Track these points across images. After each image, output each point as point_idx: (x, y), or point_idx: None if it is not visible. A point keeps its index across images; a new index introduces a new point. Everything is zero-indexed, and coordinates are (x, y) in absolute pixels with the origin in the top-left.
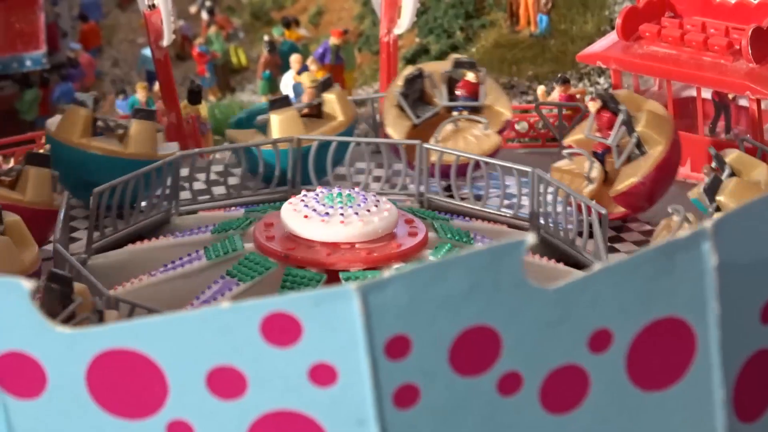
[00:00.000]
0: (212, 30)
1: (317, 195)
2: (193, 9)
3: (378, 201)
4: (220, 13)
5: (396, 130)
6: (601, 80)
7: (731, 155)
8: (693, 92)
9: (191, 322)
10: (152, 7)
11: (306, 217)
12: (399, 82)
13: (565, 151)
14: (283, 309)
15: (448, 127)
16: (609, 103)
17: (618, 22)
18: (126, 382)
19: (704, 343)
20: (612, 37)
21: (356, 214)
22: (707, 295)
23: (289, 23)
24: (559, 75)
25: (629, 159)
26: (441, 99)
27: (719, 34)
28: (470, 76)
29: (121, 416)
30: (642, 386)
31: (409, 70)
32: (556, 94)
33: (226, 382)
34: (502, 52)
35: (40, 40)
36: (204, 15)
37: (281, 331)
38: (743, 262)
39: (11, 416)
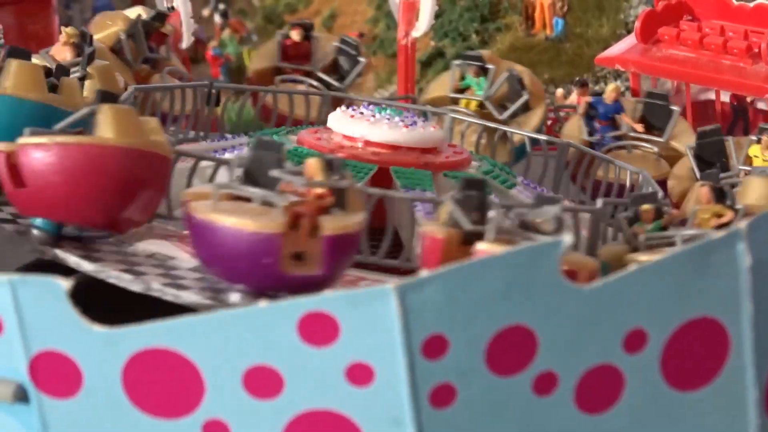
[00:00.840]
0: (226, 33)
1: (367, 105)
2: (206, 12)
3: (425, 120)
4: (233, 17)
5: None
6: (617, 83)
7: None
8: (711, 95)
9: (229, 321)
10: (171, 9)
11: (352, 117)
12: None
13: None
14: (320, 308)
15: None
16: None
17: (637, 25)
18: (162, 382)
19: (738, 344)
20: (630, 41)
21: (403, 122)
22: (741, 295)
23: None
24: (577, 78)
25: None
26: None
27: (738, 38)
28: None
29: (156, 415)
30: (676, 386)
31: None
32: (574, 98)
33: (262, 382)
34: (518, 55)
35: (55, 42)
36: (217, 18)
37: (318, 330)
38: None
39: (47, 415)
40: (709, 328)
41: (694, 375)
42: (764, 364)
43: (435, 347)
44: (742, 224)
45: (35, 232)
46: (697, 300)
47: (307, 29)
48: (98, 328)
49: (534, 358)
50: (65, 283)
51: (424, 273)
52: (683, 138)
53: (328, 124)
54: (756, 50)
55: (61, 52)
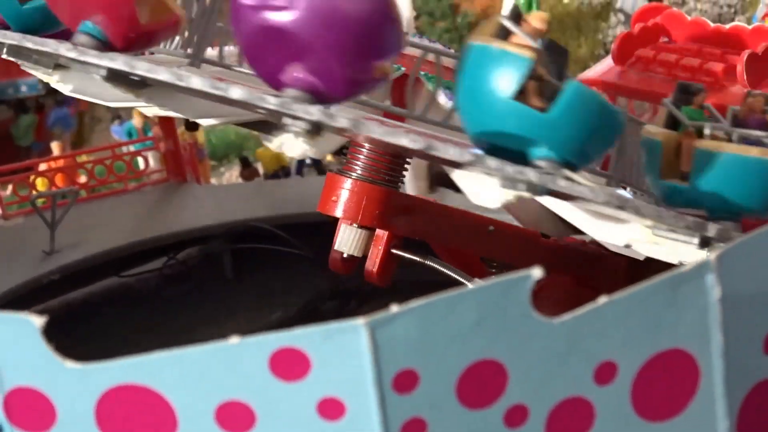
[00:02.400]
0: None
1: None
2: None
3: None
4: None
5: None
6: None
7: None
8: None
9: (201, 356)
10: None
11: None
12: None
13: None
14: (291, 344)
15: None
16: None
17: (613, 47)
18: (135, 417)
19: (708, 375)
20: (607, 62)
21: None
22: (711, 326)
23: None
24: None
25: None
26: None
27: (715, 59)
28: None
29: None
30: (646, 417)
31: None
32: None
33: (235, 417)
34: None
35: None
36: None
37: (290, 365)
38: (747, 293)
39: None
40: (679, 360)
41: (665, 406)
42: (735, 394)
43: (406, 381)
44: (712, 256)
45: None
46: (668, 331)
47: None
48: (71, 364)
49: (505, 392)
50: (38, 320)
51: (393, 308)
52: None
53: None
54: (733, 72)
55: None
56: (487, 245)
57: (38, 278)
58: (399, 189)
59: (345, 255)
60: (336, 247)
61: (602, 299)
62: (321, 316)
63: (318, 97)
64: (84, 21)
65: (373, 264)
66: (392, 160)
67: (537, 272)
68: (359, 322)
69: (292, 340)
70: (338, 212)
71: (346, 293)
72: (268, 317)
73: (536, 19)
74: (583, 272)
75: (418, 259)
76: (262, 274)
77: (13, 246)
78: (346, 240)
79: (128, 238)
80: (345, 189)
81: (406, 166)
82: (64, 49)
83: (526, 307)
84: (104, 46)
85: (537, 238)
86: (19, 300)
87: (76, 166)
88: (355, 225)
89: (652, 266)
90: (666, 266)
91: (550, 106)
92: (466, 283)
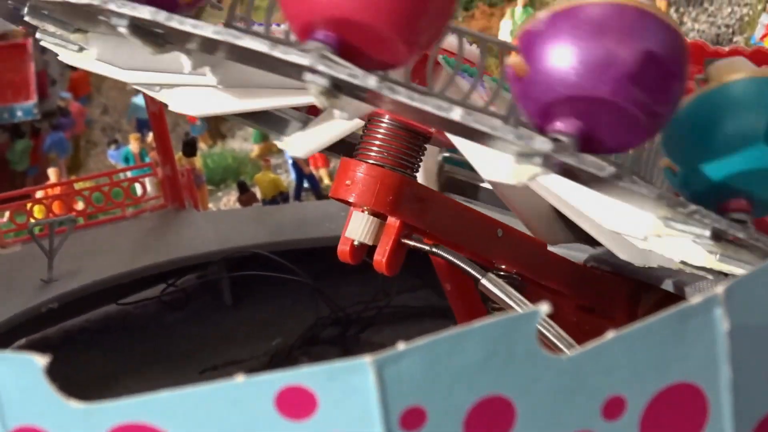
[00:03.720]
0: None
1: None
2: None
3: None
4: None
5: None
6: None
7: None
8: None
9: (206, 395)
10: None
11: None
12: None
13: None
14: (297, 383)
15: None
16: None
17: None
18: None
19: (716, 408)
20: None
21: None
22: (719, 360)
23: None
24: None
25: None
26: None
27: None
28: None
29: None
30: None
31: None
32: None
33: None
34: None
35: (31, 90)
36: None
37: (296, 404)
38: (755, 325)
39: None
40: (687, 394)
41: None
42: (744, 428)
43: (413, 419)
44: (720, 289)
45: None
46: (675, 366)
47: None
48: (75, 404)
49: (513, 428)
50: (41, 360)
51: (400, 346)
52: None
53: None
54: None
55: None
56: (493, 248)
57: (36, 307)
58: (414, 178)
59: (356, 243)
60: (346, 234)
61: (609, 334)
62: (321, 342)
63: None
64: None
65: (383, 253)
66: (409, 146)
67: (544, 308)
68: (366, 360)
69: (298, 378)
70: (351, 196)
71: (347, 319)
72: (268, 343)
73: None
74: (584, 291)
75: (427, 248)
76: (262, 300)
77: (11, 274)
78: (357, 227)
79: (126, 266)
80: (359, 173)
81: (422, 154)
82: None
83: (533, 344)
84: None
85: (543, 248)
86: (17, 329)
87: (73, 192)
88: (366, 212)
89: (652, 289)
90: (665, 291)
91: None
92: (478, 276)
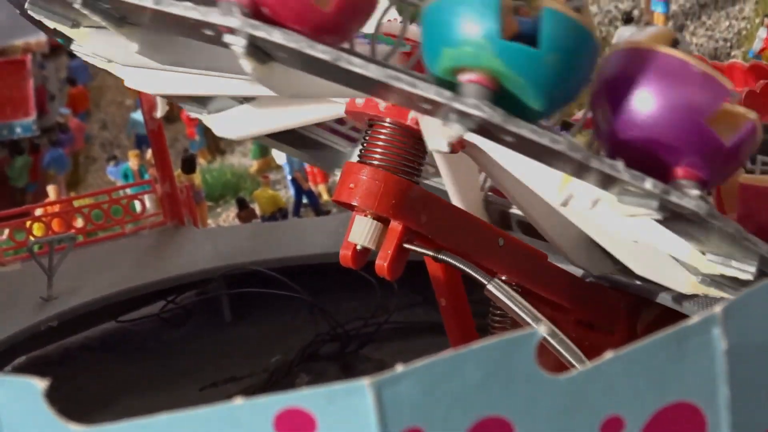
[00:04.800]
0: None
1: None
2: None
3: None
4: None
5: None
6: None
7: None
8: None
9: (205, 417)
10: None
11: None
12: None
13: None
14: (296, 404)
15: None
16: None
17: None
18: None
19: (715, 427)
20: None
21: None
22: (718, 379)
23: None
24: None
25: None
26: None
27: None
28: None
29: None
30: None
31: None
32: None
33: None
34: None
35: (30, 106)
36: None
37: (295, 426)
38: (752, 344)
39: None
40: (686, 413)
41: None
42: None
43: None
44: (717, 309)
45: None
46: (674, 385)
47: None
48: (75, 428)
49: None
50: (41, 383)
51: (399, 368)
52: None
53: None
54: None
55: None
56: (494, 257)
57: (36, 325)
58: (417, 182)
59: (358, 247)
60: (349, 238)
61: (608, 354)
62: (321, 358)
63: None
64: None
65: (385, 257)
66: (412, 150)
67: (543, 329)
68: (364, 383)
69: (297, 400)
70: (354, 200)
71: (346, 336)
72: (267, 360)
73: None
74: (584, 306)
75: (431, 253)
76: (261, 317)
77: (10, 292)
78: (360, 231)
79: (126, 283)
80: (363, 176)
81: (424, 157)
82: None
83: (532, 365)
84: None
85: (544, 259)
86: (17, 347)
87: (72, 210)
88: (369, 216)
89: (652, 305)
90: (664, 307)
91: None
92: (484, 281)
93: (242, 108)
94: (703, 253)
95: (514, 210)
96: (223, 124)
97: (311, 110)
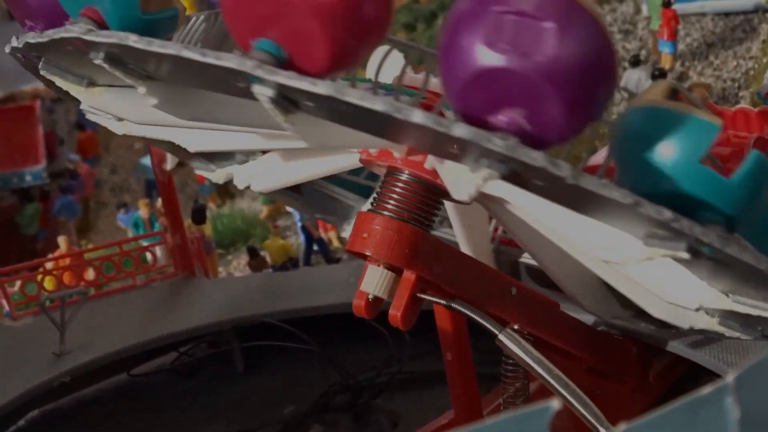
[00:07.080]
0: None
1: None
2: None
3: None
4: None
5: None
6: None
7: None
8: None
9: None
10: None
11: None
12: None
13: None
14: None
15: None
16: None
17: None
18: None
19: None
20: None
21: None
22: None
23: None
24: None
25: None
26: None
27: (721, 143)
28: None
29: None
30: None
31: None
32: None
33: None
34: None
35: (40, 154)
36: None
37: None
38: (765, 412)
39: None
40: None
41: None
42: None
43: None
44: (730, 378)
45: None
46: None
47: None
48: None
49: None
50: None
51: None
52: None
53: None
54: (740, 156)
55: None
56: (507, 305)
57: (49, 381)
58: (430, 232)
59: (371, 297)
60: (361, 287)
61: (621, 426)
62: (333, 409)
63: (529, 141)
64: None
65: (398, 307)
66: (426, 200)
67: (555, 404)
68: None
69: None
70: (367, 249)
71: (358, 386)
72: (280, 412)
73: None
74: (595, 354)
75: (444, 302)
76: (273, 367)
77: (23, 347)
78: (373, 281)
79: (138, 337)
80: (376, 226)
81: (438, 208)
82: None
83: None
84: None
85: (557, 308)
86: (30, 402)
87: (83, 263)
88: (382, 266)
89: (664, 354)
90: (674, 355)
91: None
92: (495, 331)
93: (259, 162)
94: (726, 294)
95: (524, 258)
96: (244, 177)
97: (328, 161)
